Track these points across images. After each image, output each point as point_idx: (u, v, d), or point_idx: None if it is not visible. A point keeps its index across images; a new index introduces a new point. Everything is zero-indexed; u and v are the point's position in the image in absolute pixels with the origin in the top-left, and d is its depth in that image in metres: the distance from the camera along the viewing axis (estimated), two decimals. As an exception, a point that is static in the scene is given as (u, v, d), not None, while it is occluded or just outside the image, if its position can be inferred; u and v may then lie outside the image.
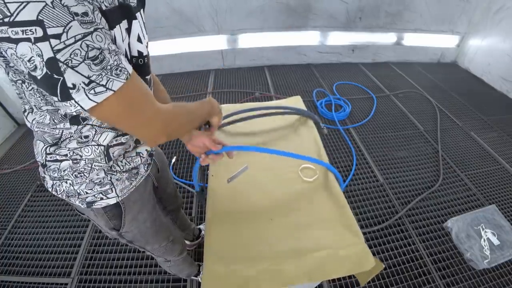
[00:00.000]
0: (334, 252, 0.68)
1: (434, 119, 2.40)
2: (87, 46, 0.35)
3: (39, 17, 0.31)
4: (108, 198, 0.61)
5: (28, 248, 1.43)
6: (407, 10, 2.97)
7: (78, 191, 0.58)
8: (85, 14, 0.34)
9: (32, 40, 0.32)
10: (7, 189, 1.77)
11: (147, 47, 0.55)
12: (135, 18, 0.49)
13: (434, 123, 2.35)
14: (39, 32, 0.31)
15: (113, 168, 0.59)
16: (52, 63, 0.34)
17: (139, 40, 0.51)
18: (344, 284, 1.28)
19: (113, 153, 0.56)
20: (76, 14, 0.33)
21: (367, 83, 2.88)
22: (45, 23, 0.31)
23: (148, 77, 0.59)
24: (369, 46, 3.22)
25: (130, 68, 0.42)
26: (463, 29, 3.20)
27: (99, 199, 0.60)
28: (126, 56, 0.48)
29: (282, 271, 0.65)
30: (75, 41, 0.34)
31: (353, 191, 1.70)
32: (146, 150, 0.68)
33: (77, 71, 0.35)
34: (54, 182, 0.58)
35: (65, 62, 0.34)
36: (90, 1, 0.35)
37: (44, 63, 0.33)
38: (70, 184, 0.57)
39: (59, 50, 0.33)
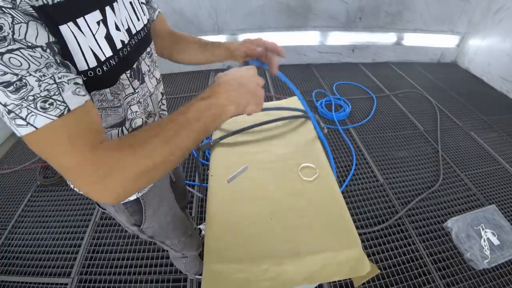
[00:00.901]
0: (333, 255, 0.68)
1: (434, 119, 2.40)
2: None
3: None
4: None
5: (28, 248, 1.43)
6: (407, 10, 2.97)
7: None
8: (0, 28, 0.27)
9: None
10: (7, 189, 1.77)
11: (141, 28, 0.53)
12: (114, 1, 0.44)
13: (434, 123, 2.35)
14: None
15: None
16: None
17: (128, 28, 0.48)
18: (344, 284, 1.29)
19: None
20: None
21: (367, 83, 2.88)
22: None
23: (148, 48, 0.58)
24: (369, 46, 3.22)
25: (75, 103, 0.33)
26: (463, 29, 3.20)
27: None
28: (104, 53, 0.41)
29: (282, 272, 0.65)
30: None
31: (353, 191, 1.70)
32: None
33: None
34: None
35: None
36: (14, 6, 0.28)
37: None
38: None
39: None
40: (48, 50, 0.31)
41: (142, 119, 0.58)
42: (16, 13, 0.28)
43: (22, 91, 0.30)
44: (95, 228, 1.50)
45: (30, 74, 0.30)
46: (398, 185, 1.77)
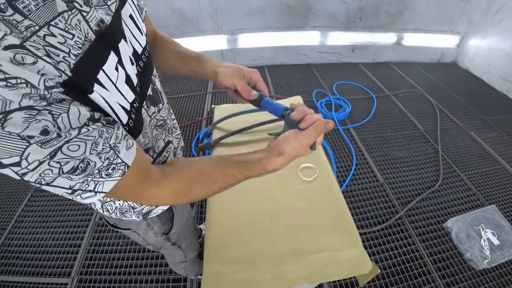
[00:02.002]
0: (333, 254, 0.68)
1: (434, 119, 2.40)
2: (58, 163, 0.28)
3: None
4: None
5: (28, 248, 1.43)
6: (407, 10, 2.97)
7: (133, 205, 0.56)
8: (45, 131, 0.26)
9: None
10: (7, 189, 1.77)
11: (145, 43, 0.47)
12: (125, 38, 0.38)
13: (434, 123, 2.35)
14: None
15: None
16: (24, 181, 0.29)
17: (134, 51, 0.42)
18: (344, 284, 1.28)
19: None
20: (31, 137, 0.25)
21: (367, 83, 2.88)
22: None
23: (153, 75, 0.51)
24: (369, 46, 3.22)
25: (130, 157, 0.36)
26: (463, 29, 3.20)
27: (155, 206, 0.59)
28: (127, 100, 0.39)
29: (282, 272, 0.65)
30: (40, 163, 0.27)
31: (353, 191, 1.70)
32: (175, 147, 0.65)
33: (54, 186, 0.30)
34: (106, 202, 0.55)
35: (36, 182, 0.29)
36: (47, 102, 0.26)
37: (18, 177, 0.28)
38: (123, 200, 0.54)
39: (24, 174, 0.27)
40: (91, 122, 0.30)
41: (163, 140, 0.56)
42: (53, 108, 0.26)
43: (87, 170, 0.31)
44: (95, 228, 1.50)
45: (91, 153, 0.30)
46: (398, 185, 1.77)
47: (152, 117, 0.51)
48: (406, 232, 1.50)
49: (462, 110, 2.56)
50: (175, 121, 0.67)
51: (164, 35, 0.65)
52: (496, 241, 1.43)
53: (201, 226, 1.45)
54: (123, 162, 0.35)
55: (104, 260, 1.36)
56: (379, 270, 0.68)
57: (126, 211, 0.57)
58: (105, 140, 0.32)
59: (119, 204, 0.55)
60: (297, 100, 1.21)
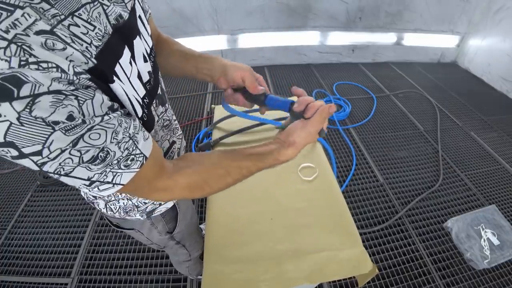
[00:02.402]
0: (333, 254, 0.68)
1: (434, 119, 2.40)
2: (79, 151, 0.28)
3: (6, 138, 0.24)
4: (166, 202, 0.60)
5: (28, 248, 1.43)
6: (407, 10, 2.97)
7: (137, 204, 0.56)
8: (70, 117, 0.26)
9: (10, 158, 0.26)
10: (7, 189, 1.77)
11: (152, 43, 0.47)
12: (139, 35, 0.39)
13: (434, 123, 2.35)
14: (14, 152, 0.25)
15: None
16: (43, 171, 0.29)
17: (145, 57, 0.42)
18: (344, 284, 1.28)
19: None
20: (56, 122, 0.25)
21: (367, 83, 2.88)
22: (16, 144, 0.25)
23: (159, 75, 0.52)
24: (369, 46, 3.22)
25: (148, 148, 0.36)
26: (463, 29, 3.20)
27: (158, 205, 0.60)
28: (139, 95, 0.39)
29: (282, 272, 0.65)
30: (62, 152, 0.27)
31: (353, 191, 1.70)
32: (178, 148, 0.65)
33: (72, 176, 0.30)
34: (109, 201, 0.55)
35: (55, 172, 0.29)
36: (75, 87, 0.26)
37: (37, 168, 0.28)
38: (127, 199, 0.54)
39: (44, 163, 0.27)
40: (111, 112, 0.31)
41: (168, 140, 0.56)
42: (79, 93, 0.27)
43: (107, 160, 0.31)
44: (95, 228, 1.50)
45: (111, 142, 0.30)
46: (398, 185, 1.77)
47: (160, 116, 0.51)
48: (406, 232, 1.50)
49: (462, 110, 2.56)
50: (176, 121, 0.67)
51: (169, 38, 0.65)
52: (496, 241, 1.43)
53: (201, 226, 1.45)
54: (141, 153, 0.34)
55: (104, 260, 1.36)
56: (377, 271, 0.68)
57: (130, 210, 0.57)
58: (125, 130, 0.32)
59: (123, 203, 0.55)
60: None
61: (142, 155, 0.35)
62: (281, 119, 1.06)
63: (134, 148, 0.33)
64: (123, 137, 0.32)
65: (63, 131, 0.26)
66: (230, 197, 0.82)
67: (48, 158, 0.27)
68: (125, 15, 0.35)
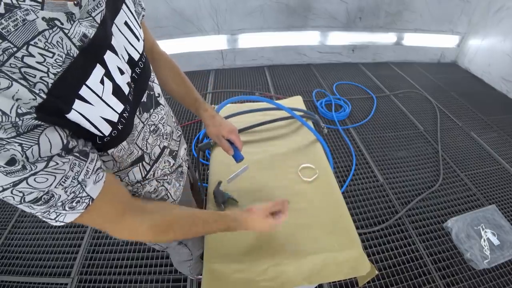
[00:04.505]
0: (332, 255, 0.68)
1: (434, 119, 2.40)
2: (21, 192, 0.28)
3: None
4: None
5: (28, 248, 1.43)
6: (407, 10, 2.97)
7: None
8: (12, 161, 0.26)
9: None
10: (7, 189, 1.77)
11: (142, 49, 0.47)
12: (111, 48, 0.37)
13: (434, 123, 2.35)
14: None
15: (162, 172, 0.58)
16: None
17: (130, 58, 0.42)
18: (344, 284, 1.28)
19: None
20: None
21: (367, 83, 2.88)
22: None
23: (150, 81, 0.51)
24: (369, 46, 3.22)
25: (96, 190, 0.36)
26: (463, 29, 3.20)
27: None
28: (116, 111, 0.38)
29: (282, 273, 0.65)
30: (4, 189, 0.27)
31: (353, 191, 1.70)
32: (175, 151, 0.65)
33: (21, 207, 0.31)
34: None
35: (3, 198, 0.29)
36: (17, 133, 0.25)
37: None
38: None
39: None
40: (64, 153, 0.30)
41: (158, 146, 0.55)
42: (23, 139, 0.26)
43: (50, 202, 0.31)
44: (95, 228, 1.50)
45: (56, 187, 0.30)
46: (398, 185, 1.77)
47: (145, 123, 0.50)
48: (406, 232, 1.50)
49: (462, 110, 2.56)
50: (175, 123, 0.66)
51: (163, 53, 0.69)
52: (496, 241, 1.43)
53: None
54: (88, 195, 0.34)
55: (104, 260, 1.36)
56: (377, 272, 0.68)
57: None
58: (76, 174, 0.32)
59: None
60: (297, 100, 1.21)
61: (89, 197, 0.35)
62: (286, 118, 1.06)
63: (81, 191, 0.33)
64: (71, 183, 0.32)
65: (4, 173, 0.26)
66: (230, 197, 0.82)
67: None
68: (91, 32, 0.33)
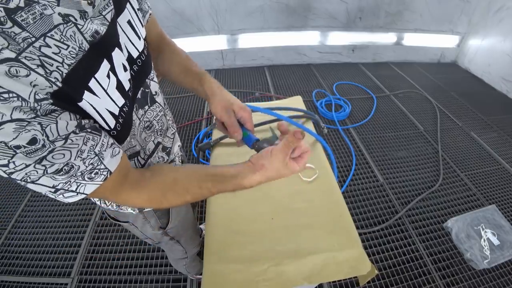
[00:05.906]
0: (333, 255, 0.68)
1: (434, 119, 2.40)
2: (44, 166, 0.30)
3: None
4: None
5: (28, 248, 1.43)
6: (407, 10, 2.97)
7: None
8: (32, 141, 0.28)
9: None
10: (7, 189, 1.77)
11: (142, 47, 0.48)
12: (119, 46, 0.40)
13: (434, 123, 2.35)
14: None
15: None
16: (11, 179, 0.31)
17: (129, 55, 0.44)
18: (344, 284, 1.28)
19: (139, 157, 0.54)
20: (18, 147, 0.27)
21: (367, 83, 2.88)
22: None
23: (148, 78, 0.52)
24: (369, 46, 3.22)
25: (114, 164, 0.38)
26: (463, 29, 3.20)
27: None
28: (117, 105, 0.40)
29: (282, 273, 0.65)
30: (27, 166, 0.29)
31: (353, 191, 1.70)
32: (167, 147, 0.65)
33: (38, 184, 0.32)
34: None
35: (22, 179, 0.31)
36: (35, 113, 0.27)
37: (5, 175, 0.31)
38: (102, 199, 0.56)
39: (11, 173, 0.30)
40: (78, 130, 0.32)
41: (153, 142, 0.56)
42: (42, 119, 0.28)
43: (71, 172, 0.33)
44: (95, 228, 1.50)
45: (75, 159, 0.33)
46: (398, 185, 1.77)
47: (140, 119, 0.52)
48: (406, 232, 1.50)
49: (462, 110, 2.56)
50: (170, 121, 0.66)
51: (172, 42, 0.67)
52: (496, 241, 1.43)
53: (201, 226, 1.45)
54: (106, 168, 0.37)
55: (104, 260, 1.36)
56: (377, 272, 0.68)
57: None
58: (91, 147, 0.34)
59: None
60: (297, 100, 1.21)
61: (107, 170, 0.37)
62: (294, 117, 1.05)
63: (99, 163, 0.36)
64: (88, 155, 0.34)
65: (24, 154, 0.28)
66: (230, 197, 0.82)
67: (14, 169, 0.29)
68: (103, 30, 0.36)
